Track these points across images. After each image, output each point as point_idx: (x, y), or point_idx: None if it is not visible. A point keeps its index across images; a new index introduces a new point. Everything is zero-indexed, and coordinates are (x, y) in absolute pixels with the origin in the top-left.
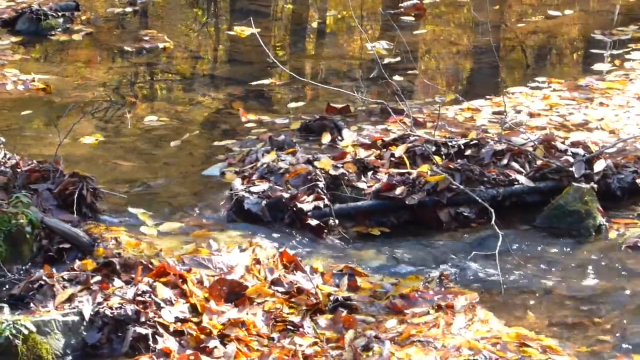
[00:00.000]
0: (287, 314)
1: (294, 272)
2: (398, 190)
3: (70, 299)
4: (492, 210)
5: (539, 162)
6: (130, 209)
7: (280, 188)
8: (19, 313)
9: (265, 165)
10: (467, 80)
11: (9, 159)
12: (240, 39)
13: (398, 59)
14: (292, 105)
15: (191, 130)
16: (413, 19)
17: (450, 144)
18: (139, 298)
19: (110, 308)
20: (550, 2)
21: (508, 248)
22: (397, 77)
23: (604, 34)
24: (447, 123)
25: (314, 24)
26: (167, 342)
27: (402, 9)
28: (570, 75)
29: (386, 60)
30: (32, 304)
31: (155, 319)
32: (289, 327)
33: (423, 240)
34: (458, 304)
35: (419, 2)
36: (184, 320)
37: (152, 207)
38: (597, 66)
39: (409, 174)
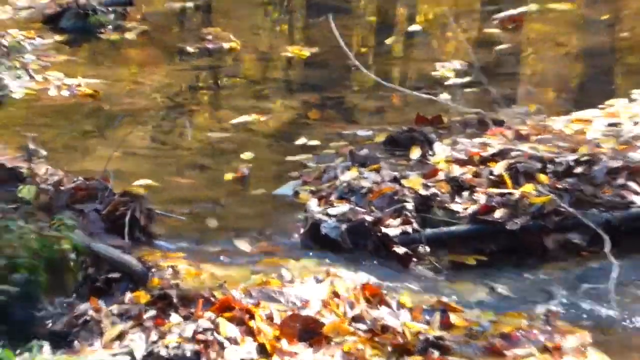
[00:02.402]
0: (370, 355)
1: (378, 307)
2: (498, 213)
3: (120, 337)
4: (607, 237)
5: None
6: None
7: (363, 210)
8: (62, 352)
9: (345, 184)
10: (577, 87)
11: (51, 175)
12: (316, 39)
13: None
14: (377, 115)
15: (260, 144)
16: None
17: (557, 160)
18: (200, 336)
19: (166, 347)
20: None
21: (625, 280)
22: (496, 83)
23: None
24: (554, 136)
25: (402, 22)
26: None
27: (497, 21)
28: None
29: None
30: (76, 342)
31: None
32: None
33: (526, 270)
34: (567, 345)
35: (515, 13)
36: None
37: (214, 231)
38: None
39: (511, 194)
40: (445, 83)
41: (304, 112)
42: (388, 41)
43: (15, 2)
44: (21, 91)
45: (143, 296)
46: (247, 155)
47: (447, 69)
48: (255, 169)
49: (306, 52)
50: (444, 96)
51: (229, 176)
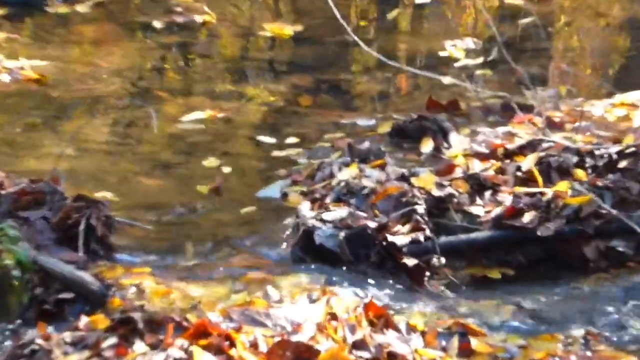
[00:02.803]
0: None
1: (384, 331)
2: (527, 217)
3: None
4: None
5: None
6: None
7: (364, 215)
8: None
9: (343, 184)
10: (620, 65)
11: None
12: (307, 9)
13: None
14: (380, 100)
15: (241, 136)
16: None
17: (598, 153)
18: None
19: None
20: None
21: None
22: (524, 61)
23: None
24: (594, 124)
25: None
26: None
27: None
28: None
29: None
30: None
31: None
32: None
33: (562, 285)
34: None
35: None
36: None
37: (187, 240)
38: None
39: (542, 194)
40: (456, 65)
41: (293, 98)
42: (392, 14)
43: None
44: None
45: (101, 321)
46: (225, 150)
47: (458, 48)
48: (235, 168)
49: (294, 27)
50: (462, 78)
51: (203, 188)
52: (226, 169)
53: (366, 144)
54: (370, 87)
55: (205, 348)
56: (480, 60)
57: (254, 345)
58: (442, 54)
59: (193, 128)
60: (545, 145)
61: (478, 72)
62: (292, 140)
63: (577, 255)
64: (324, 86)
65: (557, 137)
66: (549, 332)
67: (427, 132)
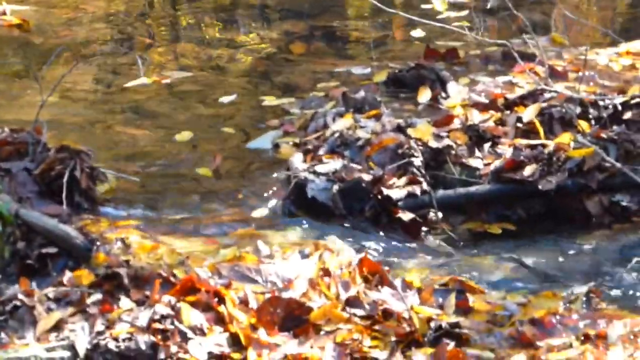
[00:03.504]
0: (369, 347)
1: (379, 287)
2: (527, 170)
3: (57, 327)
4: None
5: None
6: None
7: (359, 167)
8: None
9: (336, 134)
10: (626, 11)
11: None
12: None
13: None
14: (376, 48)
15: (231, 84)
16: None
17: (602, 103)
18: (157, 325)
19: (116, 340)
20: None
21: None
22: (526, 7)
23: None
24: (598, 73)
25: None
26: None
27: None
28: None
29: None
30: (2, 334)
31: (180, 354)
32: None
33: (563, 241)
34: (613, 333)
35: None
36: (220, 357)
37: (174, 193)
38: None
39: (543, 146)
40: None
41: (285, 45)
42: None
43: None
44: None
45: (86, 276)
46: (213, 99)
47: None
48: (224, 117)
49: None
50: (460, 24)
51: (191, 126)
52: (215, 119)
53: (361, 94)
54: (365, 34)
55: (193, 305)
56: (464, 13)
57: (243, 302)
58: (424, 6)
59: (180, 76)
60: (547, 95)
61: (481, 17)
62: (284, 89)
63: (580, 210)
64: (318, 33)
65: (560, 87)
66: (550, 290)
67: (425, 81)
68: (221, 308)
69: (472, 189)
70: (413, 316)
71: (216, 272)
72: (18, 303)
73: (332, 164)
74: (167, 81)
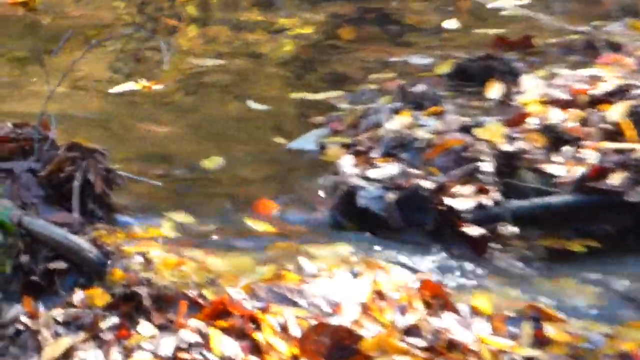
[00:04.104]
0: None
1: (442, 313)
2: (614, 179)
3: (66, 355)
4: None
5: None
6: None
7: (418, 172)
8: None
9: (392, 134)
10: None
11: None
12: None
13: None
14: (438, 34)
15: (269, 75)
16: None
17: None
18: (183, 355)
19: None
20: None
21: None
22: None
23: None
24: None
25: None
26: None
27: None
28: None
29: None
30: None
31: None
32: None
33: None
34: None
35: None
36: None
37: (203, 201)
38: None
39: (633, 151)
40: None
41: (332, 30)
42: None
43: None
44: None
45: (100, 296)
46: (249, 91)
47: None
48: (261, 113)
49: None
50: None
51: (223, 123)
52: (250, 115)
53: (421, 87)
54: (426, 17)
55: (225, 331)
56: (523, 1)
57: (284, 329)
58: None
59: (212, 64)
60: (637, 91)
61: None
62: (330, 80)
63: None
64: (371, 16)
65: None
66: None
67: (495, 73)
68: (257, 335)
69: (550, 199)
70: (482, 348)
71: (252, 293)
72: (21, 327)
73: (387, 169)
74: (160, 87)
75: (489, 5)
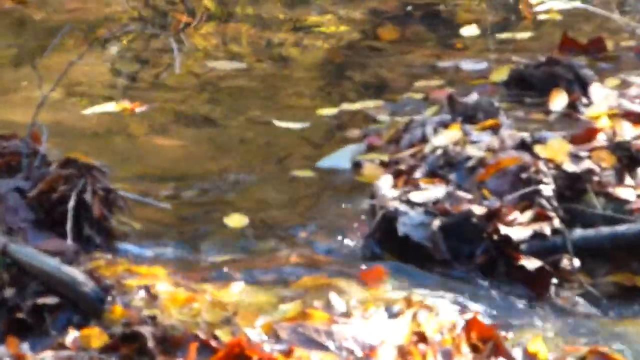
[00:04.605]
0: None
1: (492, 358)
2: None
3: None
4: None
5: None
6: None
7: (468, 196)
8: None
9: (439, 151)
10: None
11: None
12: None
13: None
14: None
15: (297, 81)
16: None
17: None
18: None
19: None
20: None
21: None
22: None
23: None
24: None
25: None
26: None
27: None
28: None
29: None
30: None
31: None
32: None
33: None
34: None
35: None
36: None
37: (217, 227)
38: None
39: None
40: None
41: (371, 29)
42: None
43: None
44: None
45: (97, 336)
46: (274, 99)
47: None
48: (288, 126)
49: None
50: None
51: (243, 135)
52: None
53: (473, 97)
54: (481, 16)
55: None
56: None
57: None
58: None
59: (231, 69)
60: None
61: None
62: (368, 88)
63: None
64: (416, 13)
65: None
66: None
67: (559, 81)
68: None
69: (621, 228)
70: None
71: (273, 334)
72: None
73: (433, 191)
74: (143, 109)
75: (554, 4)
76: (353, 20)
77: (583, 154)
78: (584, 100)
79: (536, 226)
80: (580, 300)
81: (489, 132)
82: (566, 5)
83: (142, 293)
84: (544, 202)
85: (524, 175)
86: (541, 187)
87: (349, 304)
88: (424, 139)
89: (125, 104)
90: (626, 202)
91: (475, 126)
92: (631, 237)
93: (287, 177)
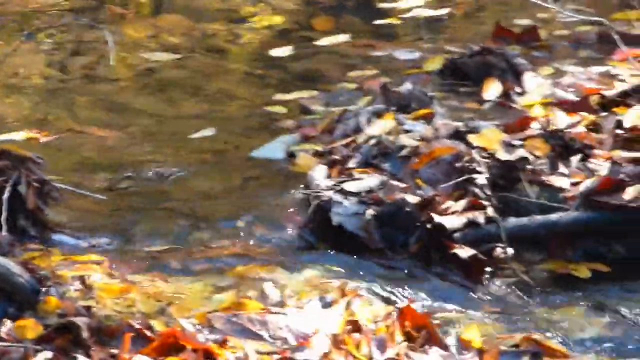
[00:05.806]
0: None
1: (427, 347)
2: (629, 193)
3: None
4: None
5: None
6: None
7: (402, 185)
8: None
9: (373, 141)
10: None
11: None
12: None
13: None
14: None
15: (231, 72)
16: None
17: None
18: None
19: None
20: None
21: None
22: None
23: None
24: None
25: None
26: None
27: None
28: None
29: None
30: None
31: None
32: None
33: None
34: None
35: None
36: None
37: (153, 218)
38: None
39: None
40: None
41: (305, 19)
42: None
43: None
44: None
45: (31, 327)
46: (208, 90)
47: None
48: (222, 115)
49: None
50: None
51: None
52: (208, 118)
53: (407, 87)
54: (415, 5)
55: None
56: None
57: None
58: None
59: (165, 60)
60: None
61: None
62: (302, 78)
63: None
64: (350, 3)
65: None
66: None
67: (493, 70)
68: None
69: (554, 216)
70: None
71: (207, 324)
72: None
73: (367, 181)
74: (49, 139)
75: None
76: (287, 11)
77: (517, 142)
78: (518, 89)
79: (470, 215)
80: (513, 288)
81: (422, 121)
82: None
83: (77, 284)
84: (477, 190)
85: (457, 164)
86: (475, 176)
87: (283, 294)
88: (357, 129)
89: (33, 134)
90: (560, 190)
91: (409, 115)
92: (565, 225)
93: (221, 168)
